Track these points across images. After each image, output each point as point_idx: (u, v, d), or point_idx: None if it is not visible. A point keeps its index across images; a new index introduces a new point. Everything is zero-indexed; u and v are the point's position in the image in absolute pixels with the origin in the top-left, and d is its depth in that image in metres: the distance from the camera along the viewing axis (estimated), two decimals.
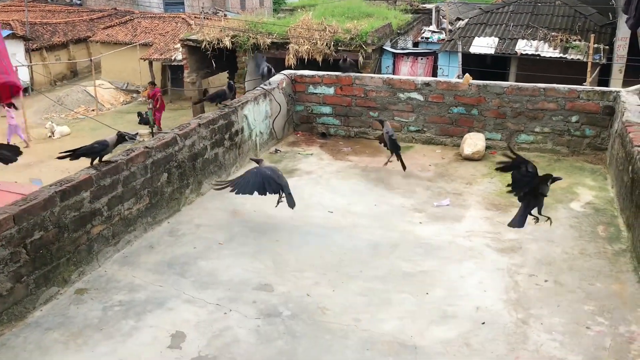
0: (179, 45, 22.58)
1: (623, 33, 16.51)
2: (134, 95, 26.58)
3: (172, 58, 24.39)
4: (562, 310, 3.53)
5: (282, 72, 7.11)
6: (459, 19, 21.42)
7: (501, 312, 3.53)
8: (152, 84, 21.10)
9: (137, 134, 19.38)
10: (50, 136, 20.78)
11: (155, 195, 4.63)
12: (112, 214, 4.16)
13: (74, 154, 4.08)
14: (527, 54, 17.11)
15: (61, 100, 24.10)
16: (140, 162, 4.41)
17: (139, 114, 20.90)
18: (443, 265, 4.10)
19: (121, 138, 4.24)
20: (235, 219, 4.87)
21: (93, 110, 24.02)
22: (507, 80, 17.00)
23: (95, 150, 4.08)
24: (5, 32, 25.49)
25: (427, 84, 6.57)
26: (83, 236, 3.90)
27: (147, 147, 4.53)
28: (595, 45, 16.35)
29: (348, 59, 7.23)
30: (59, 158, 4.16)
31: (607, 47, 16.82)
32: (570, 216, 4.81)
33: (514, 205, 4.97)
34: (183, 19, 27.95)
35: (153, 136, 18.47)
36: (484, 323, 3.41)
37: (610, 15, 18.32)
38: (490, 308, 3.57)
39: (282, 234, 4.59)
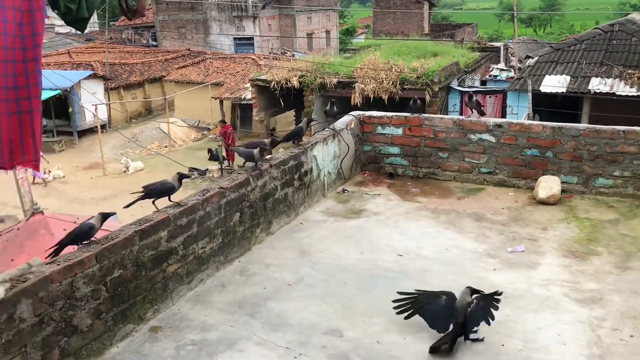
0: (248, 84, 23.30)
1: None
2: (205, 132, 27.47)
3: (242, 97, 25.15)
4: None
5: (351, 113, 7.18)
6: (528, 57, 21.10)
7: None
8: (223, 122, 21.77)
9: (207, 169, 19.98)
10: (125, 171, 21.71)
11: (228, 234, 4.73)
12: (187, 253, 4.27)
13: (143, 196, 4.20)
14: (601, 93, 16.55)
15: (136, 137, 25.21)
16: (215, 202, 4.53)
17: (209, 151, 21.55)
18: (518, 315, 3.94)
19: (182, 177, 4.37)
20: (303, 260, 4.88)
21: (166, 147, 24.97)
22: (579, 121, 16.49)
23: (158, 191, 4.20)
24: (87, 73, 27.15)
25: (499, 125, 6.46)
26: (159, 274, 4.02)
27: (221, 187, 4.64)
28: None
29: (418, 100, 7.20)
30: (127, 207, 4.27)
31: None
32: None
33: (593, 254, 4.78)
34: (253, 59, 28.88)
35: (222, 173, 18.98)
36: None
37: None
38: None
39: (350, 277, 4.56)
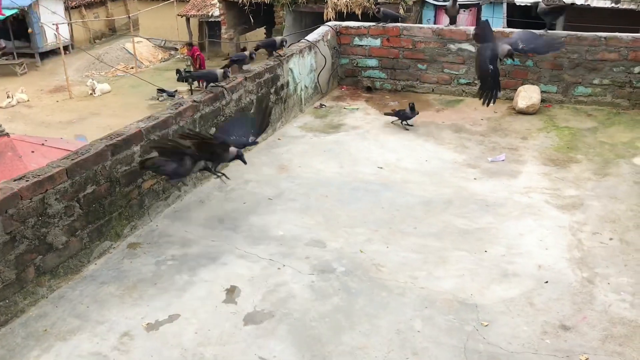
0: (216, 1, 22.31)
1: None
2: (172, 52, 26.54)
3: (210, 14, 24.15)
4: (630, 270, 3.37)
5: (327, 23, 6.90)
6: None
7: (565, 270, 3.39)
8: (190, 44, 20.97)
9: (175, 91, 19.44)
10: (91, 93, 20.99)
11: None
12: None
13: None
14: (576, 4, 16.28)
15: (101, 58, 24.23)
16: (188, 116, 4.34)
17: (178, 71, 20.88)
18: (500, 222, 3.95)
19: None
20: (282, 175, 4.78)
21: (132, 68, 24.12)
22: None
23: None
24: None
25: None
26: (134, 191, 3.88)
27: (195, 101, 4.44)
28: None
29: (381, 9, 6.82)
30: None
31: None
32: (633, 172, 4.58)
33: (573, 161, 4.79)
34: None
35: (192, 93, 18.48)
36: (547, 282, 3.28)
37: None
38: (553, 267, 3.42)
39: (331, 190, 4.49)
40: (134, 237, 3.85)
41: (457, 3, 6.68)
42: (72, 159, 3.42)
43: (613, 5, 16.04)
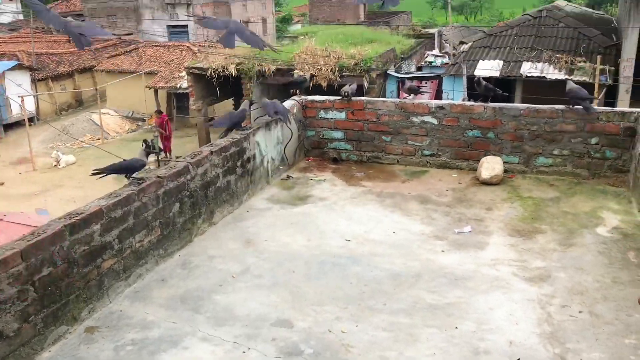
0: (184, 73, 22.64)
1: (628, 54, 16.45)
2: (140, 123, 26.58)
3: (178, 86, 24.45)
4: (601, 345, 3.33)
5: (293, 97, 7.00)
6: (462, 42, 21.43)
7: (536, 346, 3.33)
8: (159, 112, 21.10)
9: (152, 150, 19.32)
10: (55, 165, 20.71)
11: (167, 226, 4.47)
12: (123, 247, 4.00)
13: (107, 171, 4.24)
14: (532, 76, 17.02)
15: (67, 129, 24.09)
16: (152, 192, 4.26)
17: (145, 142, 20.85)
18: (470, 297, 3.90)
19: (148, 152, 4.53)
20: (248, 249, 4.69)
21: (99, 139, 24.00)
22: (513, 103, 16.90)
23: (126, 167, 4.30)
24: (12, 63, 25.67)
25: (441, 107, 6.44)
26: (93, 271, 3.73)
27: (159, 176, 4.38)
28: (601, 67, 16.28)
29: (349, 89, 6.91)
30: (94, 174, 4.30)
31: (612, 68, 16.76)
32: (597, 242, 4.62)
33: (538, 232, 4.82)
34: (188, 47, 28.08)
35: (159, 164, 18.39)
36: (519, 359, 3.21)
37: (614, 37, 18.30)
38: (524, 343, 3.36)
39: (298, 265, 4.40)
40: (92, 321, 3.67)
41: (408, 84, 7.01)
42: (28, 241, 3.29)
43: (566, 77, 16.78)
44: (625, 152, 5.81)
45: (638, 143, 5.51)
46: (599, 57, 16.48)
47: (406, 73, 21.22)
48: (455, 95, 18.35)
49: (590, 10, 27.35)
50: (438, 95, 19.95)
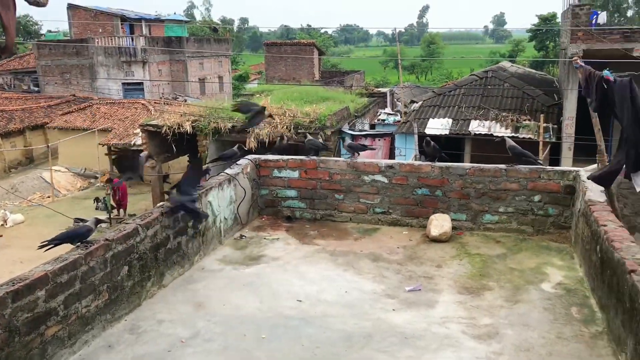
0: (138, 130, 22.55)
1: (569, 112, 17.35)
2: (92, 180, 26.11)
3: (132, 143, 24.26)
4: None
5: (247, 157, 7.07)
6: (413, 101, 22.17)
7: None
8: (109, 180, 20.80)
9: (103, 221, 18.88)
10: (2, 225, 20.02)
11: (115, 290, 4.38)
12: (69, 313, 3.89)
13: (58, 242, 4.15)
14: (480, 134, 17.66)
15: (15, 188, 23.43)
16: (99, 256, 4.20)
17: (97, 200, 20.47)
18: (420, 356, 3.93)
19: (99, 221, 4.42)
20: (199, 313, 4.62)
21: (49, 197, 23.40)
22: (462, 160, 17.44)
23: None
24: None
25: (391, 167, 6.62)
26: (36, 339, 3.61)
27: (107, 239, 4.32)
28: (545, 125, 17.05)
29: (285, 137, 7.27)
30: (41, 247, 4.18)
31: (555, 126, 17.59)
32: (542, 298, 4.76)
33: (486, 289, 4.93)
34: (143, 104, 28.08)
35: (111, 223, 18.00)
36: None
37: (556, 97, 19.28)
38: None
39: (249, 328, 4.36)
40: None
41: (348, 144, 7.35)
42: None
43: (513, 134, 17.47)
44: (567, 209, 6.06)
45: (577, 200, 5.76)
46: (542, 115, 17.28)
47: (360, 131, 21.70)
48: (407, 152, 18.83)
49: (534, 71, 28.85)
50: (391, 152, 20.43)
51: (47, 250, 4.16)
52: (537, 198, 6.12)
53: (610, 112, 4.90)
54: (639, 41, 15.78)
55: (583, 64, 5.39)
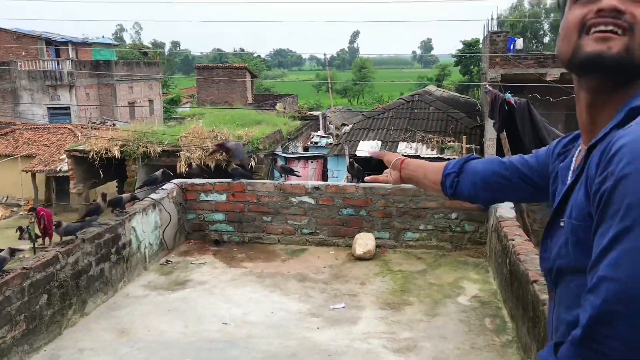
0: (64, 156, 21.87)
1: (490, 134, 18.16)
2: (15, 209, 24.99)
3: (58, 169, 23.46)
4: None
5: (173, 181, 7.06)
6: (344, 124, 22.62)
7: None
8: (33, 209, 19.96)
9: (18, 250, 18.05)
10: None
11: (33, 319, 4.28)
12: None
13: None
14: (408, 156, 18.16)
15: None
16: (16, 285, 4.09)
17: (19, 229, 19.58)
18: None
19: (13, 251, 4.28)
20: (122, 339, 4.57)
21: None
22: None
23: None
24: None
25: (317, 188, 6.78)
26: None
27: (25, 267, 4.23)
28: (468, 146, 17.81)
29: (193, 164, 7.36)
30: None
31: (478, 146, 18.39)
32: (459, 310, 5.00)
33: (406, 304, 5.12)
34: (69, 129, 27.25)
35: (36, 252, 17.26)
36: None
37: (478, 119, 20.19)
38: None
39: (173, 353, 4.35)
40: None
41: (280, 165, 7.53)
42: None
43: (439, 155, 18.15)
44: (482, 225, 6.39)
45: (491, 217, 6.09)
46: (464, 137, 18.04)
47: (293, 153, 21.92)
48: (339, 174, 19.17)
49: (458, 94, 30.07)
50: (324, 174, 20.73)
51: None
52: (454, 215, 6.43)
53: (514, 131, 5.28)
54: (551, 66, 16.82)
55: (491, 89, 5.77)
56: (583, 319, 1.05)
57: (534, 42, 59.13)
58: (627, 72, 1.20)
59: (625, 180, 1.04)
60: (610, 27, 1.19)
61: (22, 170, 24.15)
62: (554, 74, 15.89)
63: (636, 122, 1.12)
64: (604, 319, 1.02)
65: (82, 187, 20.13)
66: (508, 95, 5.25)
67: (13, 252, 4.33)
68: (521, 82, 16.10)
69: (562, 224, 1.26)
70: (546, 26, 61.65)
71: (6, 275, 4.07)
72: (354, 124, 20.85)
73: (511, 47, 18.69)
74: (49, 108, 35.33)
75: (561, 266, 1.25)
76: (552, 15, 58.65)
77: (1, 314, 3.95)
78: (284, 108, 31.90)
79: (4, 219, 24.18)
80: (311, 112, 32.99)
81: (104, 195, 5.71)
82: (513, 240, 4.83)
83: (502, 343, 4.40)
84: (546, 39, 61.71)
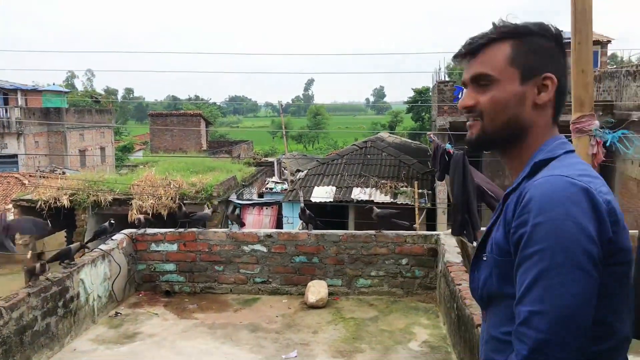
0: (10, 205, 21.22)
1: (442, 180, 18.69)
2: None
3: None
4: None
5: (123, 231, 6.98)
6: (299, 170, 22.86)
7: None
8: None
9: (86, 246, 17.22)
10: None
11: None
12: None
13: None
14: (362, 201, 18.44)
15: None
16: None
17: None
18: None
19: None
20: None
21: None
22: (347, 227, 18.07)
23: None
24: None
25: (270, 236, 6.81)
26: None
27: None
28: (420, 191, 18.18)
29: (183, 208, 7.33)
30: None
31: (429, 192, 18.79)
32: (410, 357, 5.06)
33: (358, 351, 5.16)
34: (16, 178, 26.50)
35: None
36: None
37: (429, 164, 20.71)
38: None
39: None
40: None
41: (236, 214, 7.46)
42: None
43: (392, 200, 18.44)
44: (432, 271, 6.53)
45: (440, 262, 6.24)
46: (416, 182, 18.44)
47: (248, 200, 21.89)
48: (294, 220, 19.20)
49: (409, 140, 30.81)
50: (279, 220, 20.72)
51: None
52: (404, 261, 6.56)
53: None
54: None
55: (435, 139, 6.02)
56: (523, 349, 1.25)
57: None
58: (494, 144, 1.53)
59: (539, 227, 1.27)
60: (469, 121, 1.54)
61: None
62: None
63: (541, 174, 1.37)
64: (542, 349, 1.23)
65: (28, 237, 19.48)
66: (448, 146, 5.50)
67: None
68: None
69: (484, 258, 1.48)
70: None
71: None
72: (309, 169, 21.05)
73: (458, 96, 19.42)
74: None
75: (490, 293, 1.46)
76: None
77: None
78: (239, 155, 32.00)
79: None
80: (266, 159, 33.21)
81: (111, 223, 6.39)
82: (459, 285, 4.96)
83: None
84: None
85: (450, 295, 5.22)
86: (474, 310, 4.27)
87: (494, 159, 18.38)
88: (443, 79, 20.67)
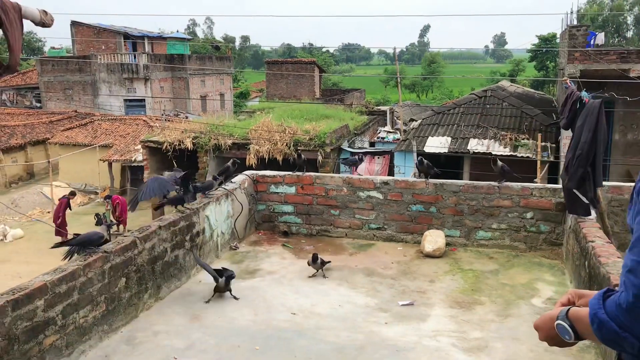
0: (139, 146, 22.73)
1: (567, 132, 17.49)
2: (92, 196, 26.22)
3: (133, 159, 24.42)
4: None
5: (244, 172, 7.19)
6: (412, 119, 22.35)
7: None
8: (108, 197, 20.87)
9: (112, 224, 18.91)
10: (2, 239, 20.09)
11: (113, 301, 4.47)
12: (67, 323, 3.98)
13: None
14: (479, 153, 17.78)
15: (15, 203, 23.54)
16: (97, 267, 4.29)
17: (97, 215, 20.49)
18: None
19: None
20: (194, 324, 4.70)
21: (49, 212, 23.48)
22: (461, 179, 17.55)
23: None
24: None
25: (386, 183, 6.73)
26: (34, 348, 3.69)
27: (105, 251, 4.42)
28: (543, 144, 17.18)
29: (302, 155, 7.36)
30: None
31: (553, 145, 17.70)
32: (532, 312, 4.84)
33: (477, 303, 5.00)
34: (144, 121, 28.28)
35: (111, 238, 18.07)
36: None
37: (554, 116, 19.43)
38: None
39: (243, 339, 4.44)
40: None
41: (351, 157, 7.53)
42: None
43: (512, 153, 17.60)
44: (558, 226, 6.15)
45: (569, 217, 5.85)
46: (539, 134, 17.41)
47: (359, 148, 21.86)
48: (406, 170, 18.96)
49: (533, 90, 29.08)
50: (390, 169, 20.56)
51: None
52: (529, 215, 6.22)
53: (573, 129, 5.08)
54: (636, 62, 15.95)
55: (571, 84, 5.54)
56: (628, 295, 1.42)
57: (615, 36, 56.28)
58: None
59: None
60: None
61: (100, 160, 25.29)
62: (638, 69, 15.03)
63: None
64: None
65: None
66: (585, 94, 5.01)
67: (110, 227, 4.66)
68: (602, 79, 15.36)
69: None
70: (629, 19, 58.52)
71: (88, 257, 4.26)
72: (423, 119, 20.52)
73: (591, 42, 17.87)
74: (125, 100, 36.80)
75: (631, 226, 1.58)
76: (636, 8, 55.64)
77: (84, 294, 4.15)
78: (351, 103, 31.88)
79: (82, 205, 25.42)
80: (379, 107, 32.80)
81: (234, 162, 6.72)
82: (593, 242, 4.62)
83: (579, 348, 4.22)
84: (629, 34, 58.64)
85: (581, 252, 4.88)
86: (611, 269, 3.96)
87: (629, 111, 16.87)
88: (574, 23, 19.06)
